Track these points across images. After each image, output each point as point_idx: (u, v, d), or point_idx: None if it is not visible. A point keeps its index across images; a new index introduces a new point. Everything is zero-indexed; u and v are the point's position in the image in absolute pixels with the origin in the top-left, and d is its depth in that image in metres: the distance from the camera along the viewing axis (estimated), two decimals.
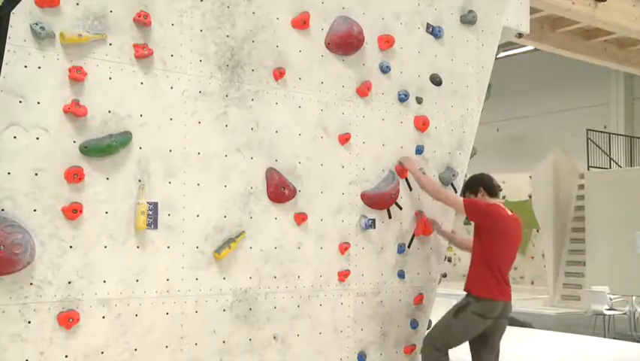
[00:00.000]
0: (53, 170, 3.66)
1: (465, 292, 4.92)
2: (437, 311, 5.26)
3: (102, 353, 3.81)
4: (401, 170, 5.12)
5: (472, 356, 5.03)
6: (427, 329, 5.39)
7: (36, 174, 3.61)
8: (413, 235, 5.23)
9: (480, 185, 5.06)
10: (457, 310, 4.85)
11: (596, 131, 17.92)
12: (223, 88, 4.28)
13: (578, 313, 14.41)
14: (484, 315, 4.79)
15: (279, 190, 4.48)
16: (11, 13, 3.49)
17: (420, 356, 5.12)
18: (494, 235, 4.84)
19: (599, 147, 17.64)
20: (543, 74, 23.00)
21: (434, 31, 5.30)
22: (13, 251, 3.44)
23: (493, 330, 4.87)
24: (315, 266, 4.70)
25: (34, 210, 3.60)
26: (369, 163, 4.98)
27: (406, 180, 5.16)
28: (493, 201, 5.02)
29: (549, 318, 14.08)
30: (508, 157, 23.50)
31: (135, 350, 3.92)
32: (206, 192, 4.20)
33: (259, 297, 4.43)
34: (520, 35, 6.04)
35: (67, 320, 3.68)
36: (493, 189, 5.06)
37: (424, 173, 5.20)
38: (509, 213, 4.98)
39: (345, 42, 4.78)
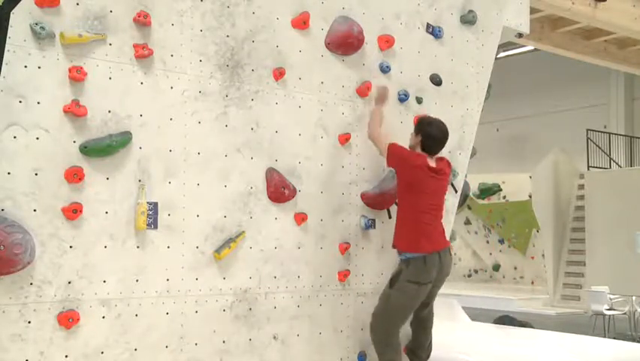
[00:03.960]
0: (53, 170, 3.66)
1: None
2: (437, 311, 5.25)
3: (102, 353, 3.81)
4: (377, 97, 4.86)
5: None
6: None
7: (36, 174, 3.61)
8: None
9: (422, 132, 4.68)
10: (392, 280, 4.59)
11: (596, 131, 17.93)
12: (223, 88, 4.28)
13: (578, 314, 14.41)
14: (419, 282, 4.49)
15: (279, 190, 4.48)
16: (11, 13, 3.50)
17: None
18: (409, 184, 4.57)
19: (599, 147, 17.64)
20: (543, 74, 22.98)
21: (434, 31, 5.30)
22: (13, 251, 3.44)
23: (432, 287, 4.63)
24: (315, 266, 4.70)
25: (34, 210, 3.60)
26: (369, 163, 4.97)
27: None
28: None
29: (549, 318, 14.08)
30: (508, 157, 23.50)
31: (135, 350, 3.92)
32: (206, 192, 4.20)
33: (259, 297, 4.43)
34: (520, 35, 6.04)
35: (67, 319, 3.68)
36: (430, 144, 4.64)
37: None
38: (433, 165, 4.60)
39: (345, 42, 4.78)
